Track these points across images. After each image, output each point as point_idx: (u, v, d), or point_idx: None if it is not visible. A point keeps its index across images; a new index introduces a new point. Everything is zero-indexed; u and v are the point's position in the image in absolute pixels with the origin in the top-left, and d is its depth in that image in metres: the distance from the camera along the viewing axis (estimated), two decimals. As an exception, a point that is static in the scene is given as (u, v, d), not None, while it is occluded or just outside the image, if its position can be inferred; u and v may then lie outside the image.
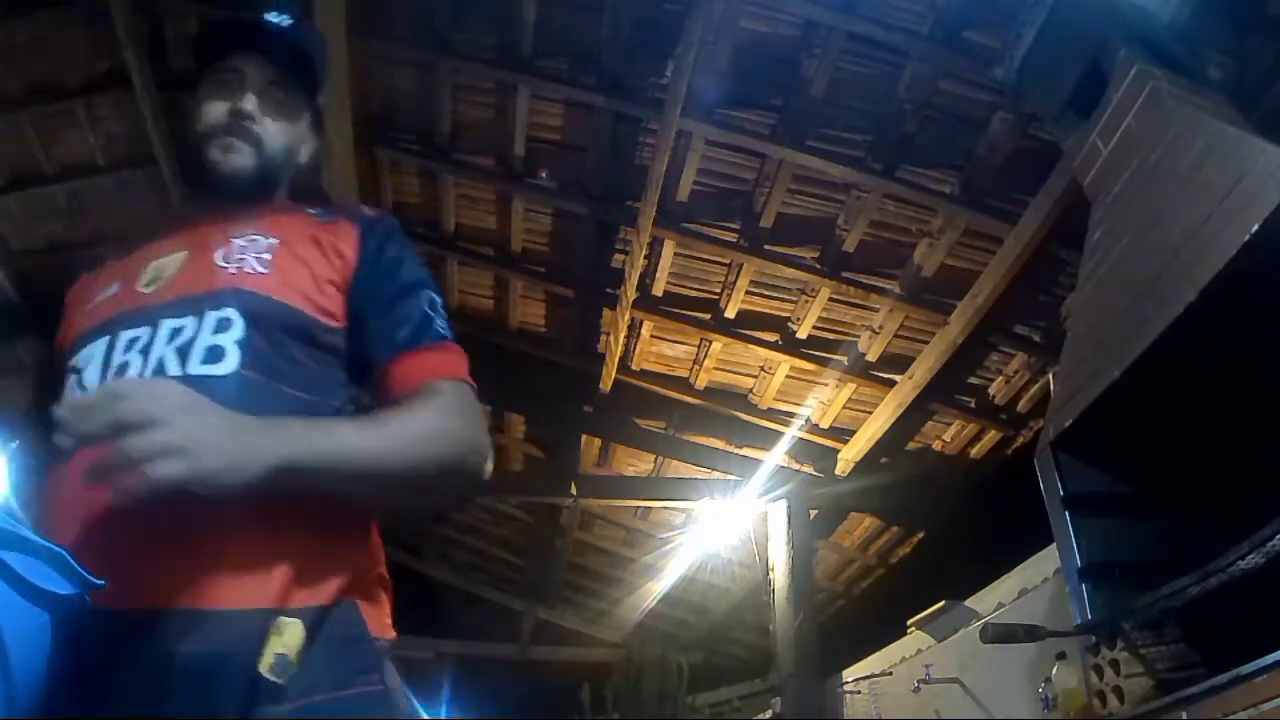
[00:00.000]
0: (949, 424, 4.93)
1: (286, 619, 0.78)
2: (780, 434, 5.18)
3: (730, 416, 5.29)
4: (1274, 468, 1.62)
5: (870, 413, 4.90)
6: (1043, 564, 2.81)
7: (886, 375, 4.68)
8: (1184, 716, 1.62)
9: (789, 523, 5.15)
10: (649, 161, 4.07)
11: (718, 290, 4.61)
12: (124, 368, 0.87)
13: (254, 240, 0.98)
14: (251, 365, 0.88)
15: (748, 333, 4.72)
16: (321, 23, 3.73)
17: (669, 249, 4.45)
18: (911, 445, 5.15)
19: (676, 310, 4.77)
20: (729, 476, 5.37)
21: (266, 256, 0.96)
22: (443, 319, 1.01)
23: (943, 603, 3.54)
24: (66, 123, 4.96)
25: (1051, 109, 2.68)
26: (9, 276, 5.64)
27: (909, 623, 3.82)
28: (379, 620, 0.91)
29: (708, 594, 7.05)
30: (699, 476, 5.59)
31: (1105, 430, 2.06)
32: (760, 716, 5.45)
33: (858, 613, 6.28)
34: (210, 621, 0.76)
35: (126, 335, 0.90)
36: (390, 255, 1.02)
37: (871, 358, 4.64)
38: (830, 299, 4.41)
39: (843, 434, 5.18)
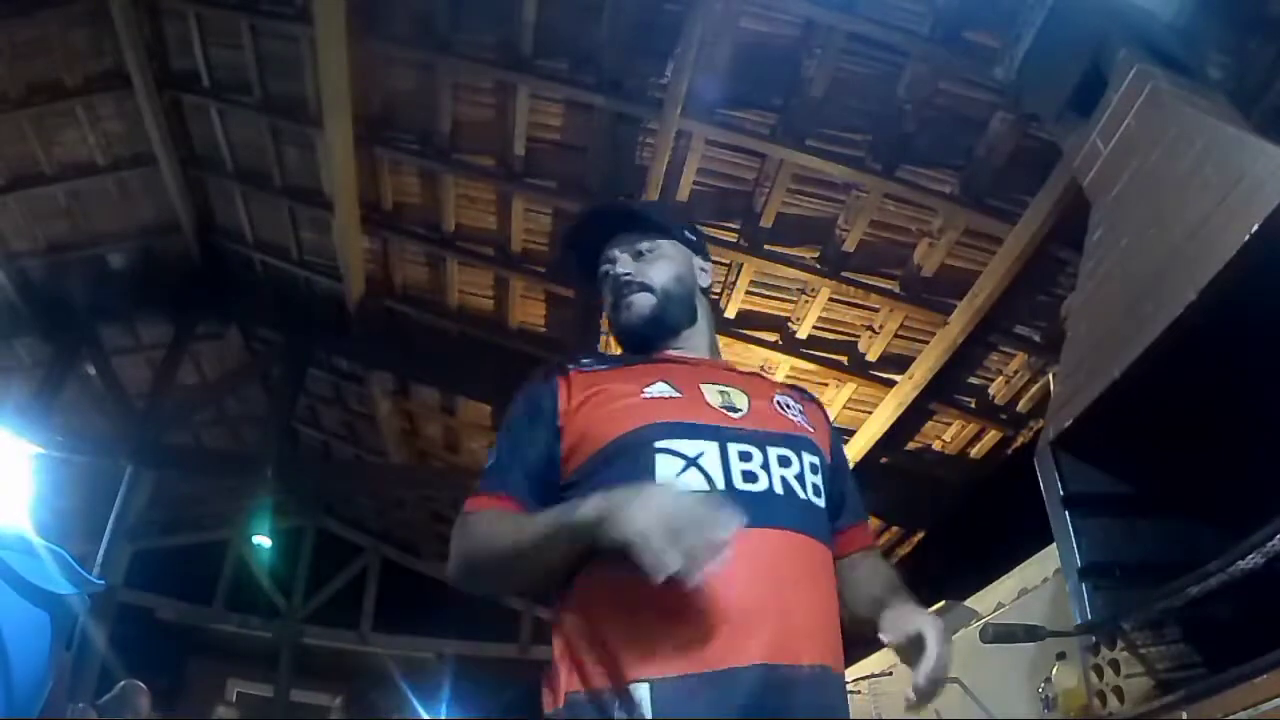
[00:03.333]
0: (949, 424, 4.93)
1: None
2: (780, 434, 5.17)
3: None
4: (1274, 468, 1.62)
5: (870, 413, 4.90)
6: (1043, 564, 2.81)
7: (886, 375, 4.68)
8: (1184, 716, 1.62)
9: (789, 523, 5.14)
10: (649, 161, 4.07)
11: (717, 290, 4.60)
12: (750, 476, 1.05)
13: (788, 397, 1.22)
14: (823, 510, 1.12)
15: (747, 333, 4.72)
16: (321, 22, 3.74)
17: (669, 249, 4.45)
18: (911, 445, 5.15)
19: (676, 310, 4.77)
20: (729, 476, 5.36)
21: (804, 417, 1.20)
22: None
23: (943, 603, 3.54)
24: (66, 123, 4.96)
25: (1051, 109, 2.67)
26: (9, 276, 5.64)
27: (909, 623, 3.81)
28: None
29: (708, 594, 7.04)
30: (699, 476, 5.58)
31: (1105, 430, 2.06)
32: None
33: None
34: (829, 677, 0.99)
35: (736, 447, 1.06)
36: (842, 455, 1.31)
37: (871, 358, 4.64)
38: (830, 299, 4.41)
39: (843, 434, 5.16)
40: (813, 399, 1.29)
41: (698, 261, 1.32)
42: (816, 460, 1.13)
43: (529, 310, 5.39)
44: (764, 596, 0.96)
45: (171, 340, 6.21)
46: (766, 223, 4.17)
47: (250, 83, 4.68)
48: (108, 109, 4.94)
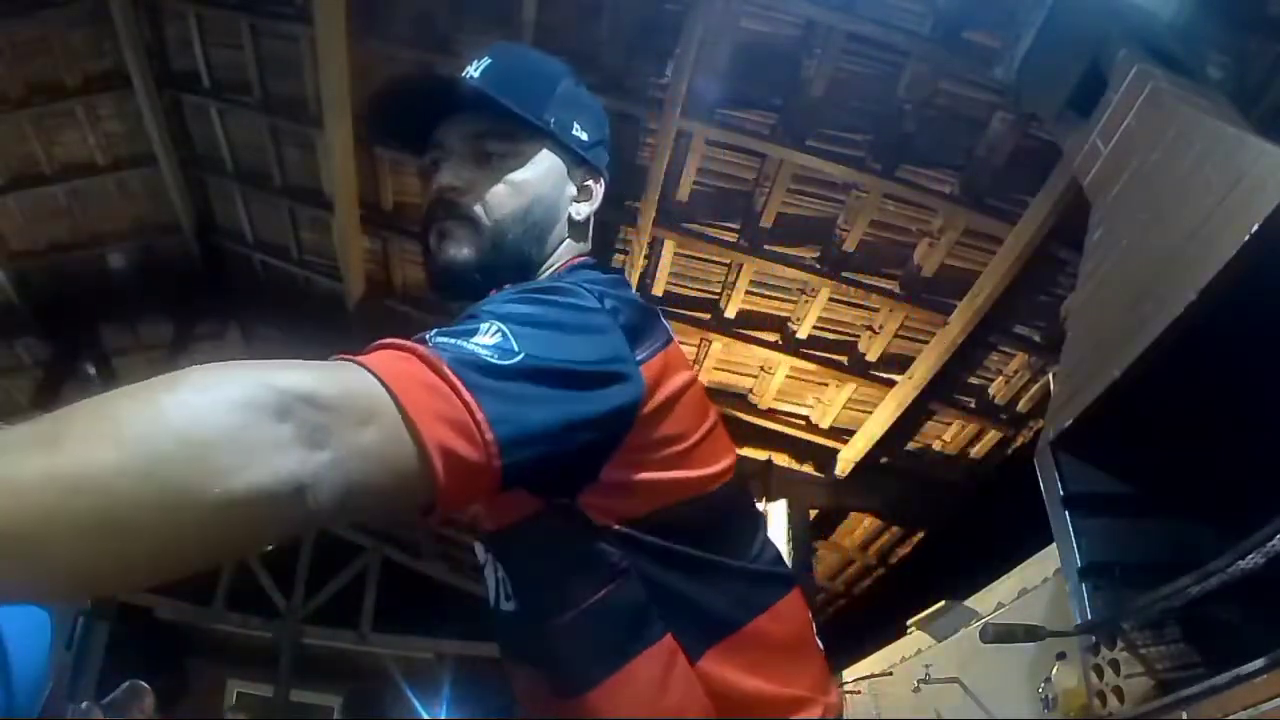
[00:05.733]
0: (949, 424, 4.93)
1: None
2: (780, 434, 5.17)
3: (730, 416, 5.28)
4: (1274, 468, 1.62)
5: (870, 413, 4.90)
6: (1043, 564, 2.81)
7: (886, 375, 4.68)
8: (1184, 716, 1.62)
9: (789, 523, 5.15)
10: (649, 161, 4.07)
11: (717, 290, 4.61)
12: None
13: None
14: None
15: (747, 333, 4.72)
16: (321, 23, 3.74)
17: (669, 249, 4.45)
18: (911, 445, 5.15)
19: (676, 310, 4.77)
20: (729, 476, 5.36)
21: None
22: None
23: (943, 603, 3.54)
24: (66, 123, 4.96)
25: (1051, 109, 2.68)
26: (9, 276, 5.63)
27: (909, 623, 3.82)
28: None
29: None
30: (699, 476, 5.59)
31: (1105, 430, 2.06)
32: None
33: (858, 613, 6.28)
34: None
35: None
36: None
37: (871, 358, 4.64)
38: (830, 299, 4.41)
39: (843, 434, 5.18)
40: None
41: (579, 178, 0.90)
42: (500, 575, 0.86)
43: (529, 310, 5.39)
44: None
45: (171, 340, 6.20)
46: (766, 223, 4.17)
47: (250, 83, 4.68)
48: (108, 109, 4.94)
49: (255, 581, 8.55)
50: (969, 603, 3.41)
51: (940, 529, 5.48)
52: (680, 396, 0.74)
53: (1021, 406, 4.58)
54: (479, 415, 0.56)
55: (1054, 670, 2.38)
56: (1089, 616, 1.95)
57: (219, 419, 0.45)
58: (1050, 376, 2.88)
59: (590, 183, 0.92)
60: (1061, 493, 2.12)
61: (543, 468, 0.62)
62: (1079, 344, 2.31)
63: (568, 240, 0.90)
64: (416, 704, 8.29)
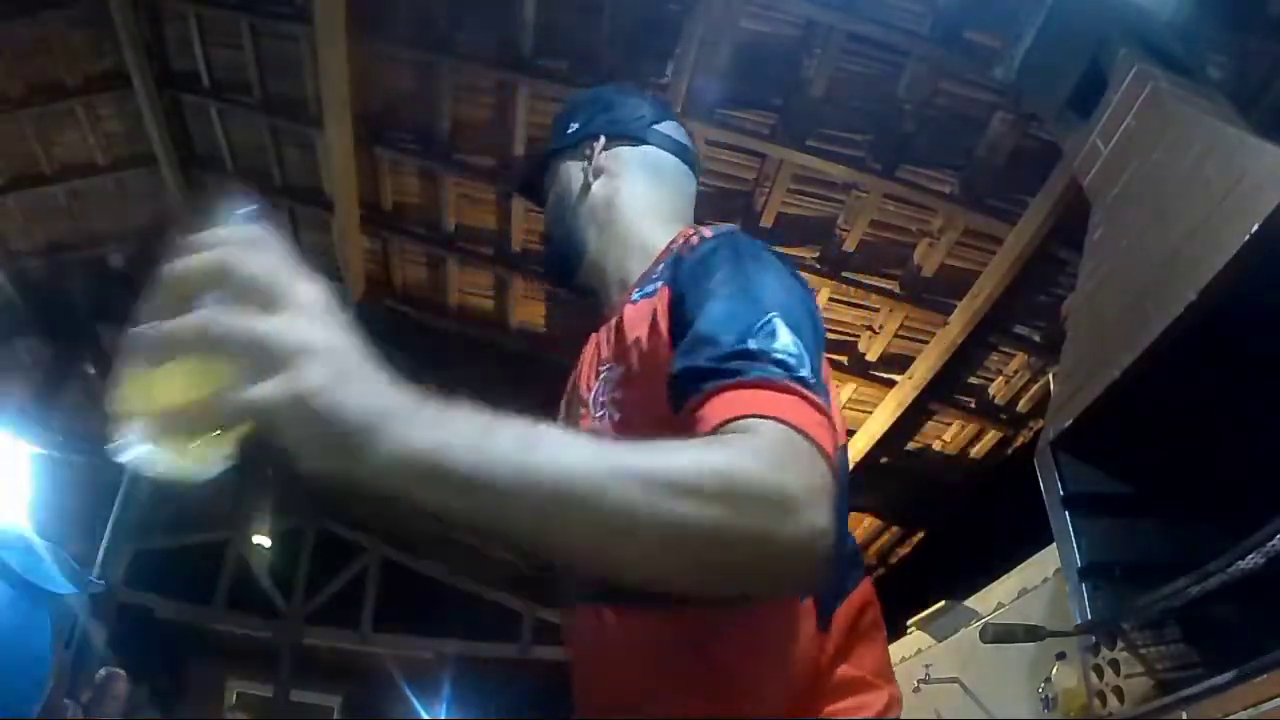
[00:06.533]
0: (949, 424, 4.93)
1: None
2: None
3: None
4: (1274, 468, 1.62)
5: (870, 413, 4.90)
6: (1043, 564, 2.81)
7: (886, 375, 4.68)
8: (1184, 716, 1.62)
9: (789, 523, 5.14)
10: (649, 161, 4.07)
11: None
12: None
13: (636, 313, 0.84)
14: None
15: (748, 333, 4.71)
16: (321, 23, 3.74)
17: (669, 249, 4.45)
18: (911, 445, 5.15)
19: (676, 310, 4.77)
20: (729, 476, 5.36)
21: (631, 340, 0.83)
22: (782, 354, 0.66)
23: (943, 603, 3.54)
24: (66, 123, 4.96)
25: (1051, 109, 2.68)
26: (9, 277, 5.64)
27: (909, 623, 3.82)
28: None
29: (708, 594, 7.04)
30: (699, 476, 5.58)
31: (1105, 430, 2.06)
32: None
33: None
34: None
35: None
36: (696, 294, 0.76)
37: (871, 358, 4.63)
38: (830, 299, 4.40)
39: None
40: (676, 263, 0.85)
41: (585, 151, 1.01)
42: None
43: (529, 310, 5.39)
44: None
45: (171, 340, 6.20)
46: (766, 223, 4.17)
47: (250, 83, 4.68)
48: (108, 109, 4.94)
49: (255, 581, 8.55)
50: (969, 603, 3.41)
51: (940, 529, 5.48)
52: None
53: (1021, 406, 4.58)
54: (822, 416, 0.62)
55: (1054, 670, 2.38)
56: (1089, 616, 1.95)
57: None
58: (1050, 376, 2.88)
59: (587, 153, 1.00)
60: (1061, 493, 2.12)
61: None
62: (1079, 344, 2.31)
63: (635, 217, 0.98)
64: (416, 704, 8.28)
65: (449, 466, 0.47)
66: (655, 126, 1.03)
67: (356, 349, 0.49)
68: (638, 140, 1.01)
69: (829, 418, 0.62)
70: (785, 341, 0.66)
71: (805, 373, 0.64)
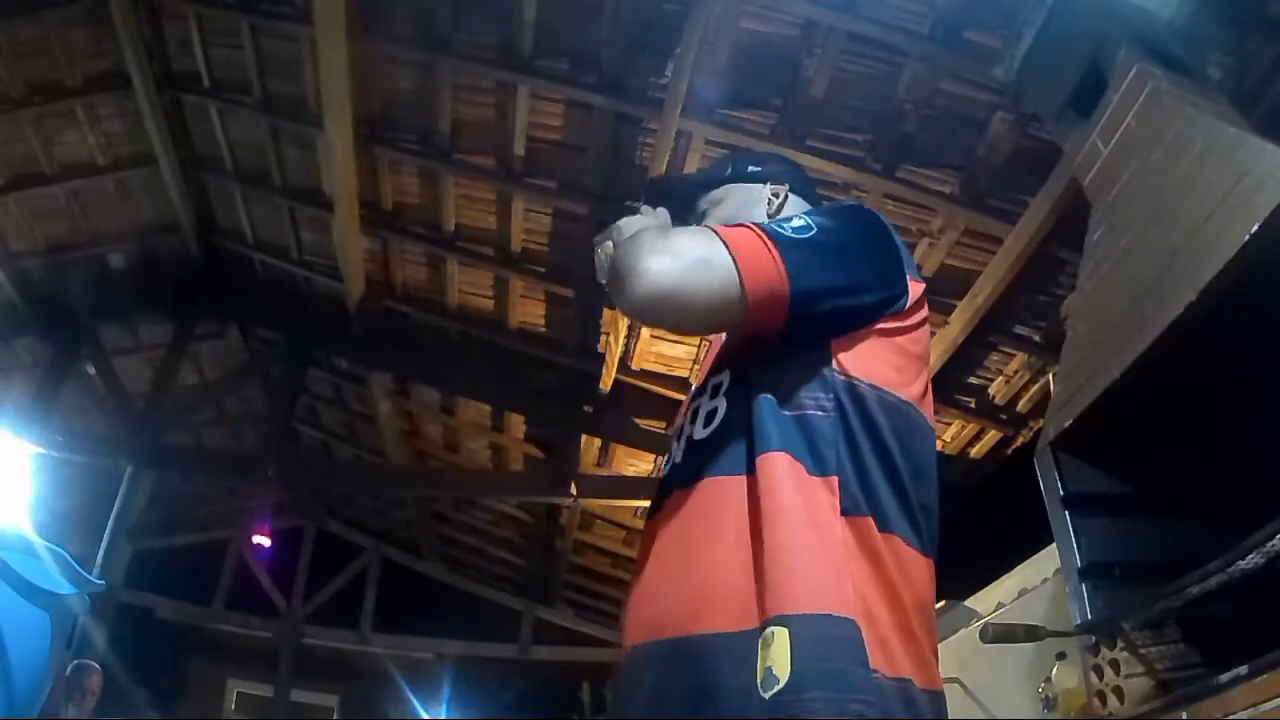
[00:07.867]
0: (949, 424, 4.93)
1: (775, 628, 0.79)
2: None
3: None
4: (1274, 468, 1.62)
5: (870, 413, 4.90)
6: (1043, 564, 2.81)
7: (886, 375, 4.68)
8: (1184, 716, 1.62)
9: (789, 523, 5.14)
10: (649, 161, 4.07)
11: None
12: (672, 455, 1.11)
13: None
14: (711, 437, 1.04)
15: (748, 333, 4.71)
16: (321, 23, 3.74)
17: (669, 249, 4.45)
18: (911, 445, 5.15)
19: (677, 310, 4.77)
20: (729, 476, 5.36)
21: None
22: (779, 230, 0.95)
23: (943, 603, 3.54)
24: (66, 123, 4.96)
25: (1051, 109, 2.67)
26: (9, 277, 5.64)
27: (909, 623, 3.82)
28: (889, 656, 0.81)
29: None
30: (699, 476, 5.59)
31: (1105, 430, 2.06)
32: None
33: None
34: (703, 647, 0.83)
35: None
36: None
37: (871, 358, 4.63)
38: (830, 299, 4.41)
39: None
40: None
41: (765, 192, 1.22)
42: (722, 379, 1.01)
43: (529, 310, 5.39)
44: None
45: (171, 340, 6.21)
46: (766, 223, 4.17)
47: (250, 83, 4.68)
48: (108, 109, 4.94)
49: (255, 581, 8.55)
50: (969, 603, 3.41)
51: (940, 529, 5.47)
52: (921, 325, 1.02)
53: (1021, 406, 4.58)
54: (775, 253, 0.89)
55: (1054, 670, 2.37)
56: (1089, 616, 1.95)
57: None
58: (1050, 376, 2.88)
59: (774, 191, 1.23)
60: (1061, 493, 2.11)
61: (816, 305, 0.91)
62: (1079, 344, 2.31)
63: None
64: (416, 704, 8.28)
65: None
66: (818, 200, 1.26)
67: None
68: (811, 201, 1.24)
69: (771, 249, 0.90)
70: (797, 224, 0.95)
71: (784, 230, 0.93)
